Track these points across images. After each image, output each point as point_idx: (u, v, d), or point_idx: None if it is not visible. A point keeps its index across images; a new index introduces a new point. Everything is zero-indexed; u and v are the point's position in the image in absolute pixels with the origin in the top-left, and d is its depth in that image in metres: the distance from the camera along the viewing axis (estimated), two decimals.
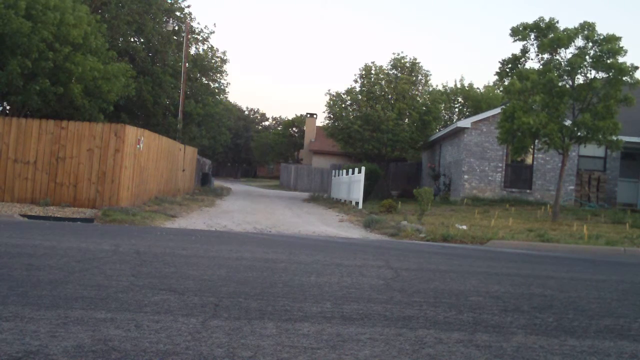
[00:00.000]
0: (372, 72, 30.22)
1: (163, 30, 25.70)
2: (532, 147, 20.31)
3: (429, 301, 5.17)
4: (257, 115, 76.58)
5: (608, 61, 15.72)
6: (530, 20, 24.73)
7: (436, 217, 16.09)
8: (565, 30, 16.26)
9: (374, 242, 11.13)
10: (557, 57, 16.68)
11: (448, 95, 40.84)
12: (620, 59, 15.78)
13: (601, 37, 15.96)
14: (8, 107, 17.53)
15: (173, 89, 25.56)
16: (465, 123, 23.62)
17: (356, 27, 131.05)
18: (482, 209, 18.88)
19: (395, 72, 30.34)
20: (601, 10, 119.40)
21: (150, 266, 6.19)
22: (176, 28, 26.82)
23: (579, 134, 16.08)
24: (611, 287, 6.63)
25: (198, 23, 70.04)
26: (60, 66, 15.67)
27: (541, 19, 16.67)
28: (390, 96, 29.64)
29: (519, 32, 16.92)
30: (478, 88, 41.60)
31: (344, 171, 25.74)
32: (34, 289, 4.74)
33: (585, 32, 16.09)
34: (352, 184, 22.60)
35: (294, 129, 59.48)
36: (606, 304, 5.54)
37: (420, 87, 30.80)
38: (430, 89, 31.89)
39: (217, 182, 37.32)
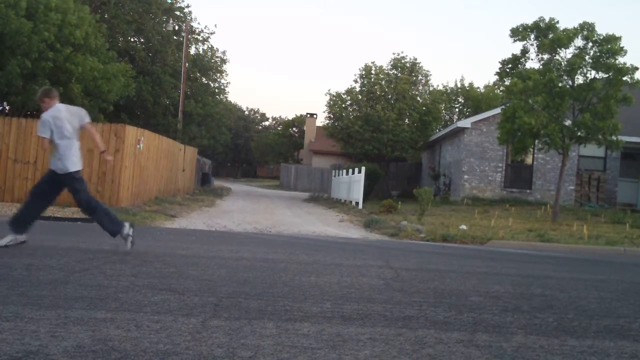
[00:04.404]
0: (372, 72, 30.21)
1: (163, 30, 25.71)
2: (532, 147, 20.32)
3: (429, 301, 5.17)
4: (257, 115, 76.59)
5: (607, 61, 15.72)
6: (530, 20, 24.76)
7: (436, 217, 16.09)
8: (565, 30, 16.26)
9: (374, 242, 11.13)
10: (557, 57, 16.69)
11: (448, 95, 40.85)
12: (621, 59, 15.80)
13: (601, 37, 15.96)
14: (8, 107, 17.53)
15: (173, 89, 25.57)
16: (465, 123, 23.61)
17: (356, 27, 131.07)
18: (482, 209, 18.88)
19: (395, 72, 30.33)
20: (602, 11, 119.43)
21: (150, 266, 6.19)
22: (176, 28, 26.83)
23: (579, 134, 16.09)
24: (611, 287, 6.62)
25: (198, 23, 70.03)
26: (60, 66, 15.67)
27: (541, 19, 16.68)
28: (390, 96, 29.63)
29: (519, 32, 16.93)
30: (478, 88, 41.62)
31: (344, 171, 25.73)
32: (34, 289, 4.73)
33: (585, 32, 16.09)
34: (352, 184, 22.60)
35: (294, 129, 59.47)
36: (606, 304, 5.54)
37: (420, 87, 30.80)
38: (431, 89, 31.89)
39: (217, 182, 37.32)
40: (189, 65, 26.12)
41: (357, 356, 3.44)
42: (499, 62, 18.11)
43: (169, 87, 25.09)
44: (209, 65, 28.35)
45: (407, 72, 30.22)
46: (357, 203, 20.95)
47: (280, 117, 73.43)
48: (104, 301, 4.44)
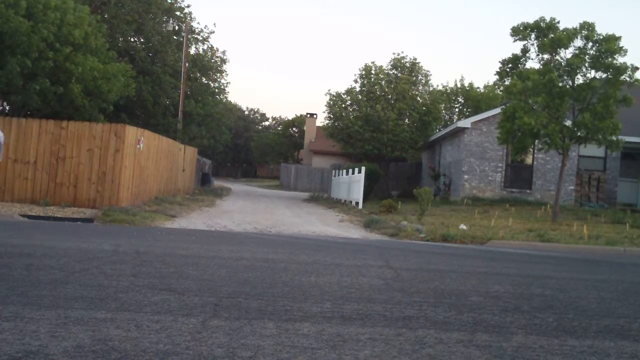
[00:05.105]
0: (372, 72, 30.20)
1: (163, 30, 25.69)
2: (532, 147, 20.32)
3: (429, 301, 5.17)
4: (257, 115, 76.56)
5: (607, 61, 15.72)
6: (530, 20, 24.75)
7: (436, 217, 16.09)
8: (565, 30, 16.26)
9: (374, 242, 11.13)
10: (557, 57, 16.69)
11: (448, 95, 40.83)
12: (620, 59, 15.80)
13: (601, 37, 15.95)
14: (8, 107, 17.53)
15: (173, 89, 25.55)
16: (465, 123, 23.61)
17: (356, 27, 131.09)
18: (482, 209, 18.88)
19: (395, 72, 30.32)
20: (601, 11, 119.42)
21: (150, 266, 6.19)
22: (176, 28, 26.81)
23: (579, 134, 16.08)
24: (611, 287, 6.62)
25: (198, 23, 69.90)
26: (60, 66, 15.66)
27: (542, 19, 16.67)
28: (390, 96, 29.63)
29: (520, 31, 16.92)
30: (478, 88, 41.60)
31: (344, 171, 25.73)
32: (34, 289, 4.74)
33: (585, 32, 16.09)
34: (352, 184, 22.60)
35: (294, 129, 59.45)
36: (606, 304, 5.54)
37: (420, 87, 30.79)
38: (431, 89, 31.88)
39: (217, 182, 37.31)
40: (189, 65, 26.09)
41: (357, 356, 3.44)
42: (499, 61, 18.12)
43: (169, 87, 25.07)
44: (209, 65, 28.32)
45: (407, 72, 30.21)
46: (357, 203, 20.95)
47: (280, 117, 73.45)
48: (104, 301, 4.44)
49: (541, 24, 16.65)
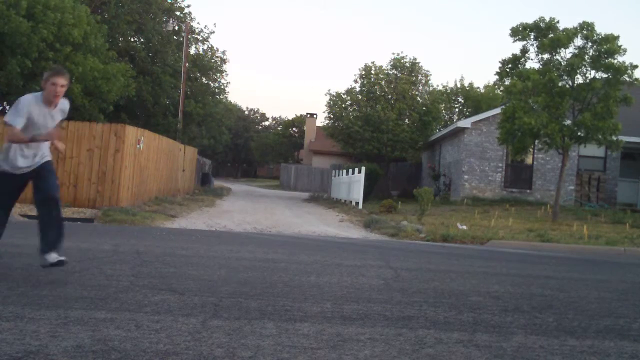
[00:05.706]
0: (372, 72, 30.21)
1: (163, 30, 25.70)
2: (532, 147, 20.32)
3: (429, 301, 5.17)
4: (257, 115, 76.54)
5: (606, 61, 15.73)
6: (530, 20, 24.75)
7: (436, 217, 16.09)
8: (565, 30, 16.26)
9: (374, 242, 11.13)
10: (557, 57, 16.69)
11: (448, 95, 40.84)
12: (620, 58, 15.80)
13: (600, 37, 15.95)
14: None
15: (173, 89, 25.55)
16: (465, 123, 23.61)
17: (356, 27, 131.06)
18: (482, 209, 18.87)
19: (395, 72, 30.33)
20: (601, 11, 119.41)
21: (150, 266, 6.19)
22: (176, 28, 26.83)
23: (579, 133, 16.08)
24: (611, 287, 6.62)
25: (198, 23, 69.87)
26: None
27: (541, 19, 16.68)
28: (390, 96, 29.63)
29: (519, 32, 16.93)
30: (478, 88, 41.60)
31: (344, 171, 25.73)
32: (34, 289, 4.74)
33: (584, 32, 16.09)
34: (352, 184, 22.60)
35: (294, 129, 59.45)
36: (606, 304, 5.54)
37: (420, 87, 30.80)
38: (430, 89, 31.88)
39: (217, 182, 37.31)
40: (189, 65, 26.10)
41: (357, 356, 3.44)
42: (499, 61, 18.12)
43: (169, 87, 25.08)
44: (209, 65, 28.33)
45: (407, 72, 30.22)
46: (357, 203, 20.95)
47: (280, 117, 73.44)
48: (104, 301, 4.44)
49: (540, 24, 16.65)
